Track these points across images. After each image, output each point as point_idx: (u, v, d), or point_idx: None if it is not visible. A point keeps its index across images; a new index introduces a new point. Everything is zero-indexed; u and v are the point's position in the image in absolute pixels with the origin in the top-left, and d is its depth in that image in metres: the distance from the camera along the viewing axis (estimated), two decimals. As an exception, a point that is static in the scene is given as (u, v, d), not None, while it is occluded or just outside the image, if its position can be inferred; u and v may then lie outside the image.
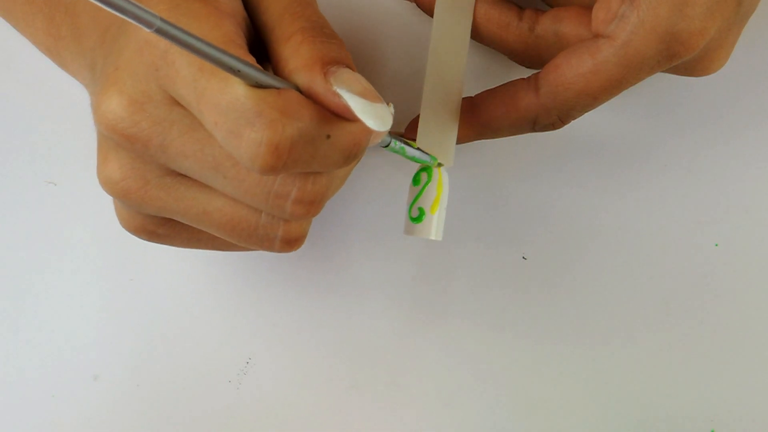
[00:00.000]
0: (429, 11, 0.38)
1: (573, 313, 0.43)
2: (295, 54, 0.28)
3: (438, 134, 0.37)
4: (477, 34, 0.37)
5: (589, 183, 0.42)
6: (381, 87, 0.41)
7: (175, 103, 0.29)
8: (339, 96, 0.28)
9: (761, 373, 0.43)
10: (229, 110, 0.27)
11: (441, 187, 0.36)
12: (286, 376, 0.42)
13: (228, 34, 0.28)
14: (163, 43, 0.28)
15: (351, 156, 0.29)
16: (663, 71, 0.35)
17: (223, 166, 0.29)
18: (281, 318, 0.42)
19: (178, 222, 0.33)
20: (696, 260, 0.42)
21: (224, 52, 0.26)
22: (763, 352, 0.43)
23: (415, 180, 0.37)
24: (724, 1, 0.32)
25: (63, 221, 0.42)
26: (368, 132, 0.29)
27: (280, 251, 0.32)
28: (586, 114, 0.36)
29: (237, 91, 0.27)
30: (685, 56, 0.33)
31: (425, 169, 0.37)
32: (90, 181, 0.33)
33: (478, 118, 0.36)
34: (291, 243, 0.32)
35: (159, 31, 0.24)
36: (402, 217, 0.42)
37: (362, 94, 0.28)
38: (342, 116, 0.28)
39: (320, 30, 0.29)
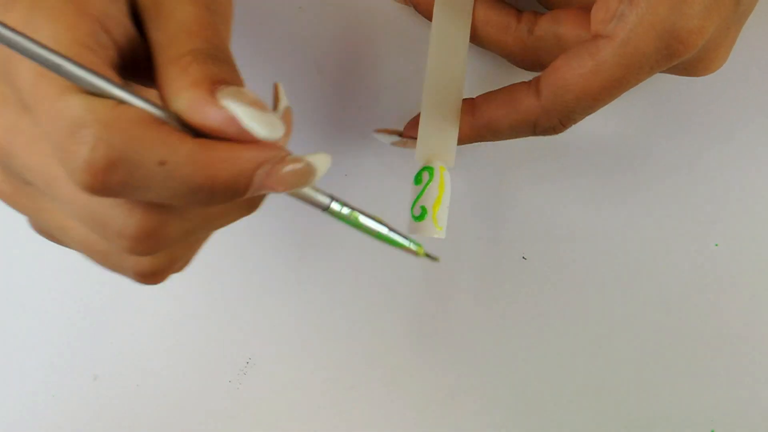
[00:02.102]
0: (427, 14, 0.38)
1: (573, 313, 0.42)
2: (183, 73, 0.26)
3: (439, 135, 0.37)
4: (476, 37, 0.37)
5: (589, 183, 0.42)
6: (379, 88, 0.41)
7: (26, 108, 0.27)
8: (225, 109, 0.25)
9: (761, 373, 0.42)
10: (60, 119, 0.24)
11: (443, 186, 0.36)
12: (286, 376, 0.42)
13: (81, 37, 0.26)
14: None
15: (205, 193, 0.25)
16: (663, 71, 0.35)
17: (55, 184, 0.27)
18: (281, 318, 0.42)
19: None
20: (696, 260, 0.42)
21: (51, 51, 0.23)
22: (763, 352, 0.43)
23: (417, 179, 0.37)
24: (722, 0, 0.32)
25: (63, 221, 0.42)
26: (230, 165, 0.25)
27: (139, 282, 0.30)
28: (585, 114, 0.36)
29: (71, 100, 0.24)
30: (684, 55, 0.33)
31: (426, 168, 0.37)
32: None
33: (479, 119, 0.36)
34: (146, 276, 0.29)
35: None
36: (402, 217, 0.42)
37: (252, 105, 0.25)
38: (226, 134, 0.25)
39: (214, 52, 0.27)
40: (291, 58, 0.42)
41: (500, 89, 0.36)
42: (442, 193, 0.36)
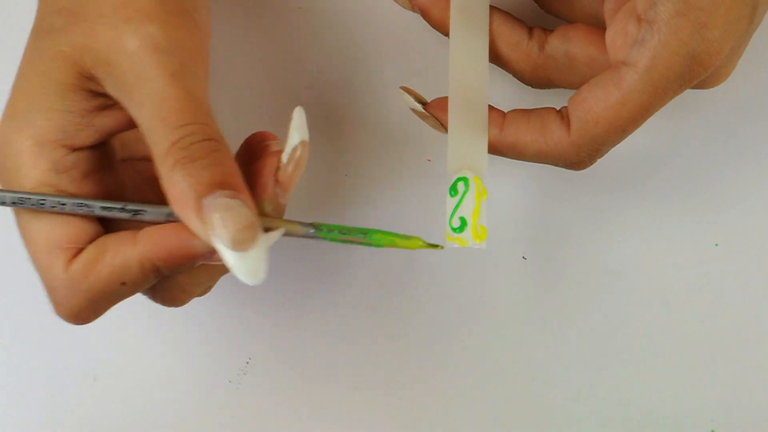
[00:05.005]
0: (436, 24, 0.37)
1: (573, 313, 0.42)
2: (170, 182, 0.29)
3: (468, 145, 0.36)
4: None
5: (589, 182, 0.42)
6: (379, 89, 0.41)
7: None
8: (214, 242, 0.29)
9: (761, 373, 0.43)
10: (42, 276, 0.31)
11: (479, 196, 0.36)
12: (286, 376, 0.42)
13: (39, 176, 0.31)
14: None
15: (167, 269, 0.31)
16: None
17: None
18: (281, 318, 0.42)
19: None
20: (696, 260, 0.42)
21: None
22: (763, 352, 0.43)
23: (453, 190, 0.36)
24: (738, 21, 0.32)
25: (63, 221, 0.42)
26: (177, 253, 0.30)
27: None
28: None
29: (51, 265, 0.31)
30: (702, 76, 0.33)
31: (461, 178, 0.36)
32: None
33: (505, 137, 0.36)
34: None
35: None
36: (401, 217, 0.42)
37: (234, 237, 0.28)
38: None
39: (192, 138, 0.29)
40: (291, 58, 0.42)
41: (532, 111, 0.35)
42: (479, 203, 0.36)
